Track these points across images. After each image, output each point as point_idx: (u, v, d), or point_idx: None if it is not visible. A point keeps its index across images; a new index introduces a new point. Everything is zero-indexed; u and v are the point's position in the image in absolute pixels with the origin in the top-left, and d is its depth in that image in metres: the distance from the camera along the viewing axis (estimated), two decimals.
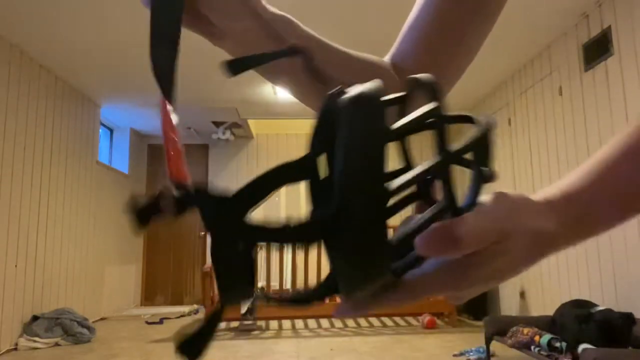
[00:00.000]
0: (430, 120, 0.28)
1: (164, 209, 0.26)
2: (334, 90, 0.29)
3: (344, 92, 0.27)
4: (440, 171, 0.27)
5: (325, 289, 0.29)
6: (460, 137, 0.29)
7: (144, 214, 0.26)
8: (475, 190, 0.29)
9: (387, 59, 0.59)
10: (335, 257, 0.26)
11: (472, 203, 0.29)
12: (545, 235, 0.32)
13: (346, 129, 0.25)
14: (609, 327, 2.85)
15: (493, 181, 0.30)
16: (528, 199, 0.32)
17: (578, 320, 3.02)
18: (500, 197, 0.30)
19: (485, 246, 0.29)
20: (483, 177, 0.30)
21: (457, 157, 0.28)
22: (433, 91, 0.28)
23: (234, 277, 0.27)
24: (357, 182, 0.25)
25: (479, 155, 0.29)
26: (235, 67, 0.32)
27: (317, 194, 0.33)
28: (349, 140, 0.25)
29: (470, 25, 0.55)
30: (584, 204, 0.34)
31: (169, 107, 0.30)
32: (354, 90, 0.27)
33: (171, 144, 0.29)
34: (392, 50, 0.59)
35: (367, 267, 0.26)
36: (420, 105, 0.30)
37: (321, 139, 0.32)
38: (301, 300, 0.29)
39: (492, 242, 0.29)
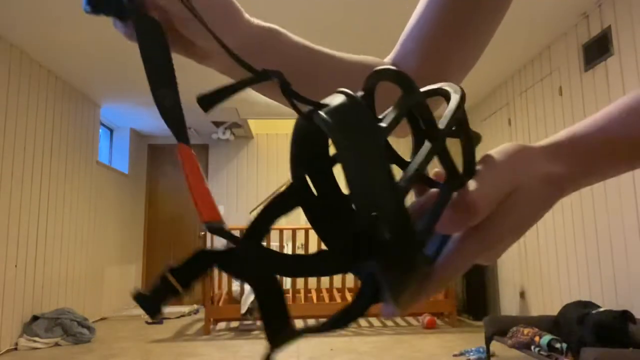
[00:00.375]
0: (413, 107, 0.28)
1: (171, 289, 0.26)
2: (307, 110, 0.29)
3: (318, 110, 0.27)
4: (439, 151, 0.28)
5: (362, 304, 0.29)
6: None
7: (155, 302, 0.26)
8: (471, 155, 0.30)
9: (388, 59, 0.58)
10: (377, 272, 0.27)
11: (472, 168, 0.30)
12: (556, 177, 0.33)
13: (344, 148, 0.26)
14: (605, 327, 2.86)
15: (481, 141, 0.32)
16: (528, 147, 0.33)
17: (577, 321, 3.02)
18: (497, 154, 0.31)
19: (500, 202, 0.30)
20: (474, 140, 0.30)
21: (449, 132, 0.28)
22: (401, 79, 0.28)
23: (279, 320, 0.27)
24: (377, 197, 0.25)
25: (460, 122, 0.30)
26: (207, 102, 0.32)
27: (316, 218, 0.33)
28: (352, 158, 0.25)
29: (475, 23, 0.54)
30: (591, 146, 0.35)
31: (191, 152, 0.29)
32: (333, 104, 0.27)
33: (197, 185, 0.28)
34: (395, 50, 0.59)
35: (409, 271, 0.26)
36: (388, 96, 0.30)
37: (302, 161, 0.32)
38: (343, 322, 0.29)
39: (504, 195, 0.30)
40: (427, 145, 0.28)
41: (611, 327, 2.85)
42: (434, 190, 0.32)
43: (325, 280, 5.58)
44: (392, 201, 0.25)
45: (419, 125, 0.31)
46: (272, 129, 7.57)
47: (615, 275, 3.47)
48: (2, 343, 4.07)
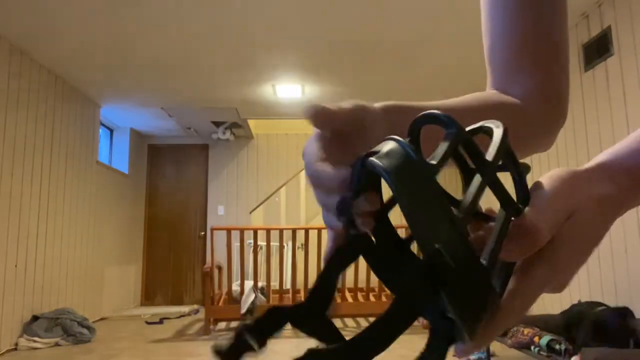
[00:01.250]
0: (460, 143, 0.29)
1: (247, 346, 0.28)
2: (359, 157, 0.30)
3: (370, 156, 0.29)
4: (491, 182, 0.28)
5: (440, 347, 0.29)
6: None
7: (232, 356, 0.28)
8: (522, 185, 0.31)
9: (491, 88, 0.58)
10: (448, 305, 0.27)
11: (527, 196, 0.31)
12: (609, 198, 0.32)
13: (398, 189, 0.26)
14: (605, 327, 2.86)
15: (530, 171, 0.31)
16: (577, 171, 0.33)
17: (575, 322, 3.02)
18: (548, 180, 0.32)
19: (560, 226, 0.30)
20: (523, 170, 0.31)
21: (498, 163, 0.29)
22: (444, 120, 0.29)
23: None
24: (438, 230, 0.26)
25: (508, 153, 0.31)
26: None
27: (377, 264, 0.34)
28: (407, 197, 0.26)
29: (552, 19, 0.55)
30: (636, 164, 0.35)
31: None
32: (383, 150, 0.28)
33: None
34: (493, 79, 0.57)
35: (480, 301, 0.27)
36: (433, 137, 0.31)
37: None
38: None
39: (563, 219, 0.30)
40: (478, 177, 0.28)
41: (611, 326, 2.85)
42: (491, 223, 0.32)
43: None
44: (453, 232, 0.25)
45: (466, 164, 0.32)
46: (272, 129, 7.57)
47: (615, 275, 3.47)
48: (2, 343, 4.07)
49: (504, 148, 0.29)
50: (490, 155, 0.29)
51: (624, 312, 2.95)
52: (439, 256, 0.25)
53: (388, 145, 0.28)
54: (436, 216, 0.26)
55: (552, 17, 0.54)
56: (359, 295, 5.40)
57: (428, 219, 0.26)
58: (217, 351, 0.28)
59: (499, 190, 0.29)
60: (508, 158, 0.30)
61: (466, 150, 0.29)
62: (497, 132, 0.30)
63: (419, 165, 0.27)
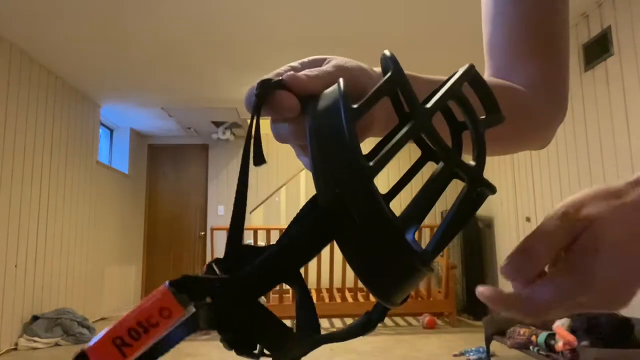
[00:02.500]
0: (394, 84, 0.26)
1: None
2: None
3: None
4: (423, 129, 0.25)
5: (381, 308, 0.28)
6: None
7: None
8: (478, 138, 0.27)
9: (488, 75, 0.57)
10: (349, 263, 0.25)
11: (482, 154, 0.26)
12: None
13: (309, 127, 0.25)
14: (610, 335, 2.86)
15: (501, 122, 0.28)
16: (611, 185, 0.29)
17: (584, 329, 3.01)
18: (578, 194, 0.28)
19: (570, 241, 0.26)
20: (480, 123, 0.27)
21: (438, 107, 0.25)
22: (386, 61, 0.26)
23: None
24: (341, 175, 0.23)
25: (460, 99, 0.26)
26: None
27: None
28: (315, 137, 0.25)
29: (552, 10, 0.54)
30: None
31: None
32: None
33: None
34: (491, 68, 0.57)
35: (386, 263, 0.24)
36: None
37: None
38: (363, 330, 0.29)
39: (576, 233, 0.26)
40: (410, 124, 0.25)
41: (615, 334, 2.85)
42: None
43: (325, 279, 5.58)
44: (358, 179, 0.23)
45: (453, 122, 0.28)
46: None
47: None
48: (2, 343, 4.07)
49: (454, 93, 0.25)
50: (434, 99, 0.25)
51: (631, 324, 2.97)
52: (337, 202, 0.23)
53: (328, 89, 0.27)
54: (344, 161, 0.23)
55: (553, 8, 0.54)
56: (359, 295, 5.40)
57: (335, 162, 0.23)
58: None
59: (435, 140, 0.25)
60: (461, 105, 0.26)
61: (402, 94, 0.26)
62: (457, 74, 0.26)
63: (336, 108, 0.24)
